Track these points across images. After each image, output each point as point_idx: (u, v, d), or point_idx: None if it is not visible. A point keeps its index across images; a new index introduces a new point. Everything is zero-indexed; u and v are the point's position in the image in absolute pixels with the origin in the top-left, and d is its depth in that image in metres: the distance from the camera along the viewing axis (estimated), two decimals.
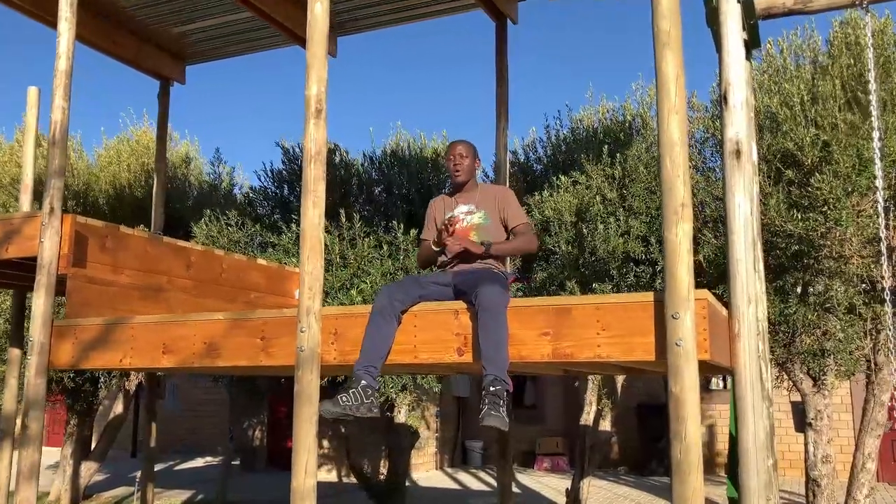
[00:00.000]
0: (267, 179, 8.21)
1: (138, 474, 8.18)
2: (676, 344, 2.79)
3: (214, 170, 8.73)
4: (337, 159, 8.16)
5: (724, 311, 3.33)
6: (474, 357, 3.21)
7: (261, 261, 5.80)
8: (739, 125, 3.59)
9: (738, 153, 3.53)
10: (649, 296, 3.00)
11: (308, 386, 3.30)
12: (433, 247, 3.70)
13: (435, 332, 3.32)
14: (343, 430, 9.86)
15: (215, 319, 3.79)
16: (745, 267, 3.33)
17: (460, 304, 3.31)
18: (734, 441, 3.70)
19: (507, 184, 5.73)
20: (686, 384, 2.77)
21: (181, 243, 5.18)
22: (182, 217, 8.21)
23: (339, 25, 6.57)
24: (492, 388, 3.03)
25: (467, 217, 3.70)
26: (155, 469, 6.69)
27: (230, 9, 6.18)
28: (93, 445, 9.55)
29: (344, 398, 3.23)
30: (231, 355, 3.69)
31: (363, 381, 3.25)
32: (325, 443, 11.23)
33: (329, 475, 11.25)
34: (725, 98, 3.66)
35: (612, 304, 3.05)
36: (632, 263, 6.94)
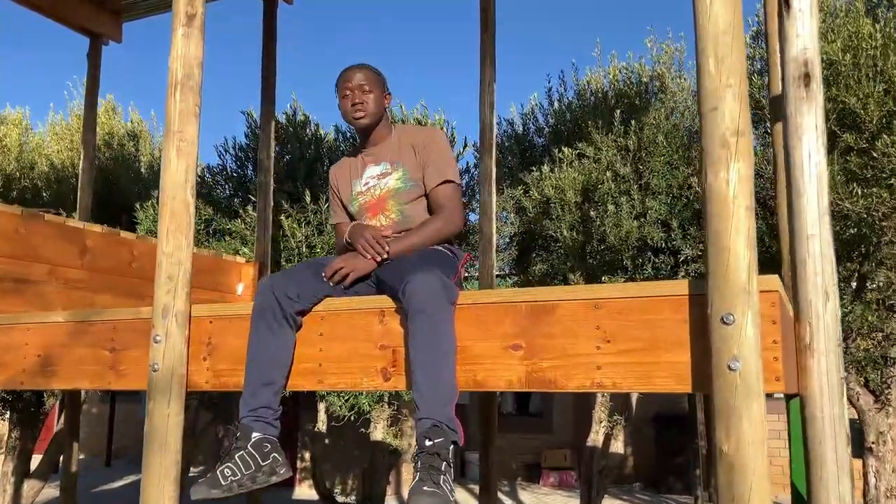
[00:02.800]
0: (227, 156, 7.10)
1: (103, 488, 7.11)
2: (730, 367, 1.64)
3: None
4: (308, 134, 7.03)
5: (791, 312, 2.17)
6: (406, 382, 2.07)
7: None
8: (808, 38, 2.44)
9: (806, 78, 2.38)
10: (681, 286, 1.85)
11: (161, 423, 2.18)
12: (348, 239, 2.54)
13: (350, 345, 2.18)
14: (310, 449, 8.74)
15: (53, 322, 2.67)
16: (820, 246, 2.17)
17: (387, 301, 2.16)
18: (800, 501, 2.53)
19: (495, 158, 4.57)
20: (746, 435, 1.62)
21: (73, 223, 4.06)
22: (127, 201, 7.11)
23: None
24: (427, 443, 1.89)
25: (380, 182, 2.51)
26: (115, 484, 5.60)
27: None
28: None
29: (228, 470, 2.08)
30: (70, 373, 2.57)
31: (254, 436, 2.11)
32: (307, 454, 10.13)
33: (311, 491, 10.14)
34: (787, 1, 2.52)
35: (622, 301, 1.89)
36: (649, 252, 5.77)
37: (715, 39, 1.79)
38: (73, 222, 4.06)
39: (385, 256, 2.31)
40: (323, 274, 2.28)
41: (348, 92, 2.50)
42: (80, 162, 5.85)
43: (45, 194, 7.34)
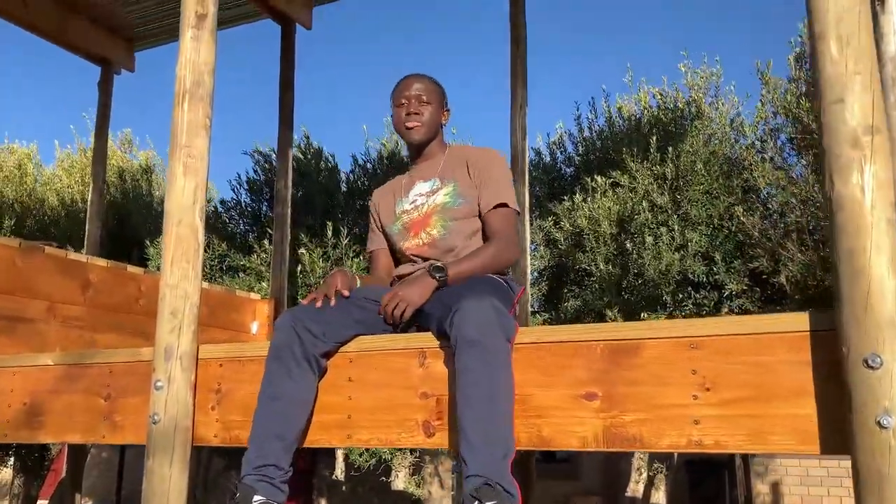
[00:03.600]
0: (241, 190, 6.83)
1: None
2: (879, 423, 1.28)
3: None
4: (323, 166, 6.76)
5: None
6: (452, 439, 1.72)
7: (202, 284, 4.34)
8: None
9: None
10: (800, 320, 1.49)
11: (161, 486, 1.83)
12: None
13: (385, 392, 1.83)
14: (327, 498, 8.30)
15: (41, 365, 2.34)
16: None
17: (429, 339, 1.82)
18: None
19: (528, 186, 4.26)
20: None
21: (75, 256, 3.76)
22: (138, 237, 6.84)
23: None
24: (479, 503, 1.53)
25: (427, 199, 2.21)
26: None
27: None
28: None
29: None
30: (59, 424, 2.23)
31: (255, 499, 1.75)
32: (323, 502, 9.68)
33: None
34: None
35: (725, 339, 1.53)
36: (690, 288, 5.42)
37: (837, 18, 1.46)
38: (75, 256, 3.76)
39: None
40: (379, 312, 1.96)
41: (404, 101, 2.23)
42: (89, 194, 5.58)
43: (53, 230, 7.09)
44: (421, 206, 2.21)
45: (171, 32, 5.72)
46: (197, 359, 2.03)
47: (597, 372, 1.60)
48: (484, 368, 1.60)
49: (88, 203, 5.55)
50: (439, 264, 1.97)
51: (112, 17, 5.52)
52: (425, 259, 2.12)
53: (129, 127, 8.32)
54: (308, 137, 6.84)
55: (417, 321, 1.94)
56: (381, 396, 1.82)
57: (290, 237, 4.90)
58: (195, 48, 2.13)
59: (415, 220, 2.20)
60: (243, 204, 6.84)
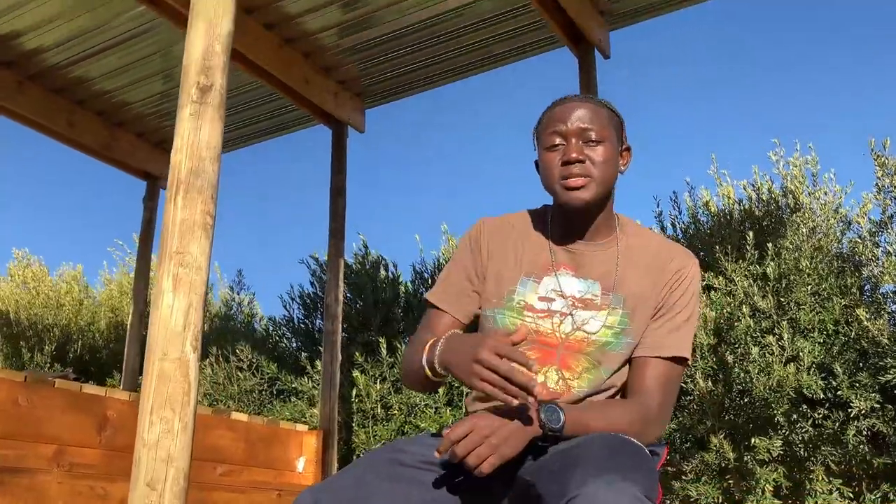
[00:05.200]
0: (293, 305, 6.39)
1: None
2: None
3: (233, 297, 6.99)
4: (382, 277, 6.28)
5: None
6: None
7: (237, 415, 3.79)
8: None
9: None
10: None
11: None
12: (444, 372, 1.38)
13: None
14: None
15: None
16: None
17: None
18: None
19: None
20: None
21: (91, 390, 3.27)
22: None
23: (364, 93, 4.88)
24: None
25: (575, 313, 1.43)
26: None
27: None
28: None
29: None
30: None
31: None
32: None
33: None
34: None
35: None
36: (806, 406, 4.61)
37: None
38: (91, 389, 3.27)
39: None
40: (436, 453, 1.23)
41: (559, 140, 1.44)
42: (129, 316, 5.21)
43: (100, 355, 6.73)
44: (559, 320, 1.43)
45: (224, 145, 5.47)
46: None
47: None
48: None
49: (128, 325, 5.18)
50: (555, 404, 1.27)
51: (157, 131, 5.31)
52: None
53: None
54: (366, 246, 6.40)
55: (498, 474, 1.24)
56: None
57: (340, 357, 4.36)
58: (194, 127, 1.65)
59: (546, 340, 1.43)
60: (296, 320, 6.37)
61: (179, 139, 1.66)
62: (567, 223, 1.49)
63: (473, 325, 1.55)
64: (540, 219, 1.56)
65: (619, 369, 1.43)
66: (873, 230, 4.98)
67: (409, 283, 6.11)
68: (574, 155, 1.41)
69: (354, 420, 5.28)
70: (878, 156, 4.51)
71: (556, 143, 1.44)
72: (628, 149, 1.52)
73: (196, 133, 1.65)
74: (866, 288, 4.92)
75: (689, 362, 1.47)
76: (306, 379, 5.70)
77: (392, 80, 4.71)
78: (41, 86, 4.68)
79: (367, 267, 6.26)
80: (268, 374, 5.93)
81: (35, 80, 4.64)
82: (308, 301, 6.36)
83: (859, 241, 4.88)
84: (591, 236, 1.48)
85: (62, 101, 4.81)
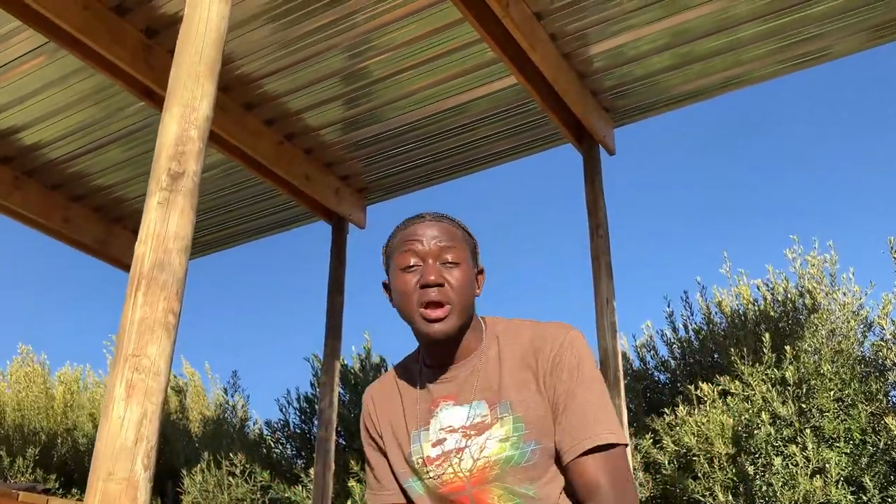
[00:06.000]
0: (289, 409, 6.12)
1: None
2: None
3: (227, 400, 6.72)
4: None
5: None
6: None
7: None
8: None
9: None
10: None
11: None
12: None
13: None
14: None
15: None
16: None
17: None
18: None
19: (624, 398, 3.43)
20: None
21: (58, 502, 3.02)
22: (173, 467, 6.08)
23: (366, 189, 4.81)
24: None
25: (470, 442, 1.30)
26: None
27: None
28: None
29: None
30: None
31: None
32: None
33: None
34: None
35: None
36: None
37: None
38: (59, 502, 3.02)
39: None
40: None
41: (415, 260, 1.35)
42: None
43: (85, 460, 6.41)
44: (456, 457, 1.29)
45: (224, 242, 5.37)
46: None
47: None
48: None
49: None
50: None
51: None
52: None
53: None
54: (368, 348, 6.19)
55: None
56: None
57: (334, 467, 4.08)
58: (162, 217, 1.50)
59: (456, 485, 1.29)
60: (291, 425, 6.09)
61: (145, 229, 1.50)
62: (433, 353, 1.41)
63: None
64: (416, 360, 1.49)
65: (539, 480, 1.26)
66: None
67: None
68: (432, 277, 1.32)
69: None
70: None
71: (412, 263, 1.36)
72: (482, 271, 1.45)
73: (164, 223, 1.50)
74: (892, 394, 4.67)
75: (623, 441, 1.27)
76: (300, 488, 5.39)
77: (394, 175, 4.64)
78: (38, 181, 4.62)
79: (369, 369, 6.03)
80: (260, 481, 5.61)
81: (32, 176, 4.59)
82: (305, 405, 6.10)
83: (882, 343, 4.66)
84: (460, 357, 1.39)
85: (58, 196, 4.74)
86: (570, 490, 1.29)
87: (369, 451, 1.48)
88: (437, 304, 1.32)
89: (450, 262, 1.35)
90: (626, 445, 1.32)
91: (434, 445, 1.33)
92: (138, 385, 1.38)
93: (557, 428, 1.28)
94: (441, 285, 1.32)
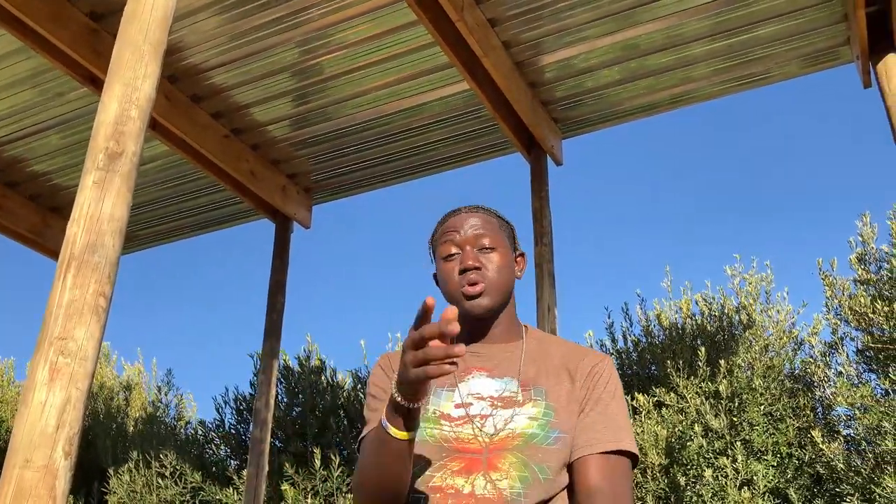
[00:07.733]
0: (226, 409, 5.99)
1: None
2: None
3: (161, 398, 6.54)
4: (323, 382, 5.97)
5: None
6: None
7: None
8: None
9: None
10: None
11: None
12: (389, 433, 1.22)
13: None
14: None
15: None
16: None
17: None
18: None
19: None
20: None
21: None
22: (103, 464, 5.89)
23: (313, 189, 4.76)
24: None
25: (496, 413, 1.33)
26: None
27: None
28: None
29: None
30: None
31: None
32: None
33: None
34: None
35: None
36: None
37: None
38: None
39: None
40: None
41: (455, 249, 1.45)
42: None
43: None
44: (482, 425, 1.32)
45: (167, 235, 5.25)
46: None
47: None
48: None
49: None
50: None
51: None
52: None
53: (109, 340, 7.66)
54: (311, 350, 6.11)
55: None
56: None
57: (267, 468, 4.00)
58: (97, 197, 1.45)
59: (469, 447, 1.31)
60: (226, 425, 5.96)
61: (78, 209, 1.45)
62: (473, 329, 1.48)
63: None
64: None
65: (558, 470, 1.31)
66: (825, 351, 4.92)
67: (349, 391, 5.80)
68: (470, 262, 1.43)
69: None
70: (825, 275, 4.49)
71: (452, 252, 1.47)
72: (522, 255, 1.56)
73: (98, 203, 1.45)
74: (818, 409, 4.82)
75: (636, 454, 1.35)
76: (232, 490, 5.27)
77: (342, 176, 4.60)
78: None
79: (309, 371, 5.96)
80: (191, 482, 5.47)
81: None
82: (242, 405, 5.98)
83: (811, 360, 4.80)
84: (498, 339, 1.47)
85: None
86: (570, 490, 1.33)
87: (378, 384, 1.47)
88: (474, 278, 1.42)
89: (486, 248, 1.45)
90: (637, 465, 1.37)
91: (458, 406, 1.37)
92: (63, 369, 1.33)
93: (579, 424, 1.34)
94: (478, 268, 1.42)
